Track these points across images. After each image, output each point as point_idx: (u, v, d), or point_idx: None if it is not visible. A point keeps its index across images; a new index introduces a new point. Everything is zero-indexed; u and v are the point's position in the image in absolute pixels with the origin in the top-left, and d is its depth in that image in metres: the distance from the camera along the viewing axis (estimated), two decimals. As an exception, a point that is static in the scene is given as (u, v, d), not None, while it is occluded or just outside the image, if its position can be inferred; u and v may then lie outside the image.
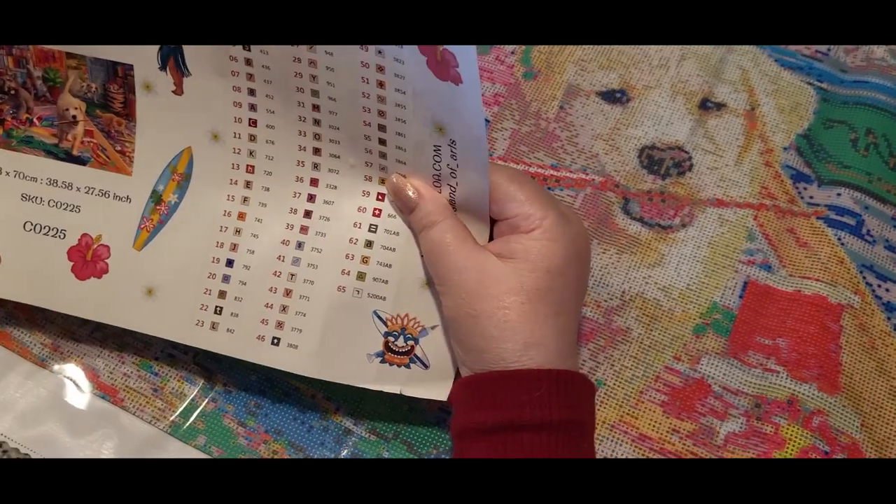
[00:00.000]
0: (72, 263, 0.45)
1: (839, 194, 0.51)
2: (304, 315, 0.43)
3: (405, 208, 0.41)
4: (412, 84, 0.39)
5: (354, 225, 0.43)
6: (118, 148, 0.45)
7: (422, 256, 0.42)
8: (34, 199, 0.46)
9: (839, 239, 0.50)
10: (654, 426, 0.45)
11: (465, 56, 0.36)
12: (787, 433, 0.44)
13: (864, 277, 0.49)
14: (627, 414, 0.45)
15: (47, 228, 0.46)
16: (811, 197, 0.52)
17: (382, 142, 0.42)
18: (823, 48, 0.58)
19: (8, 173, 0.46)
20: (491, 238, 0.41)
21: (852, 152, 0.53)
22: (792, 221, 0.51)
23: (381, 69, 0.40)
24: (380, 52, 0.39)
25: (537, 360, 0.37)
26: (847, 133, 0.54)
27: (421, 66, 0.38)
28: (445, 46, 0.36)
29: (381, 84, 0.40)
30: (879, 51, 0.58)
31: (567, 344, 0.39)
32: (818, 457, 0.43)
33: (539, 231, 0.38)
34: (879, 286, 0.49)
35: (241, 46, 0.41)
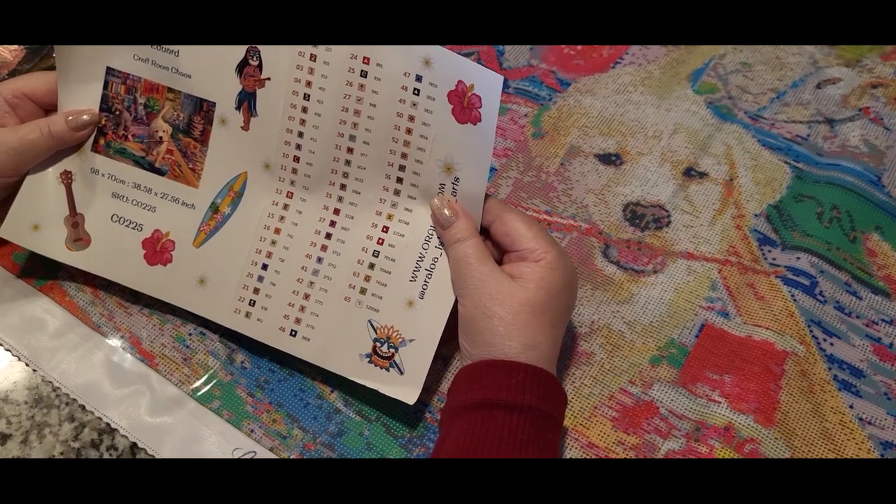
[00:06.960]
0: (144, 251, 0.56)
1: (798, 258, 0.58)
2: (317, 316, 0.52)
3: (441, 225, 0.50)
4: (435, 130, 0.49)
5: (362, 250, 0.52)
6: (191, 166, 0.56)
7: (410, 280, 0.51)
8: (121, 198, 0.57)
9: (793, 296, 0.56)
10: (602, 437, 0.51)
11: (489, 99, 0.46)
12: (720, 455, 0.49)
13: (812, 331, 0.54)
14: (580, 424, 0.52)
15: (129, 221, 0.56)
16: (774, 259, 0.58)
17: (399, 180, 0.51)
18: (804, 133, 0.65)
19: (103, 175, 0.57)
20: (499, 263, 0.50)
21: (816, 223, 0.59)
22: (753, 278, 0.57)
23: (412, 119, 0.49)
24: (415, 104, 0.49)
25: (531, 359, 0.46)
26: (814, 207, 0.60)
27: (445, 113, 0.48)
28: (475, 91, 0.46)
29: (409, 131, 0.50)
30: (854, 139, 0.64)
31: (555, 352, 0.48)
32: (747, 480, 0.48)
33: (544, 262, 0.48)
34: (825, 340, 0.54)
35: (303, 98, 0.51)
